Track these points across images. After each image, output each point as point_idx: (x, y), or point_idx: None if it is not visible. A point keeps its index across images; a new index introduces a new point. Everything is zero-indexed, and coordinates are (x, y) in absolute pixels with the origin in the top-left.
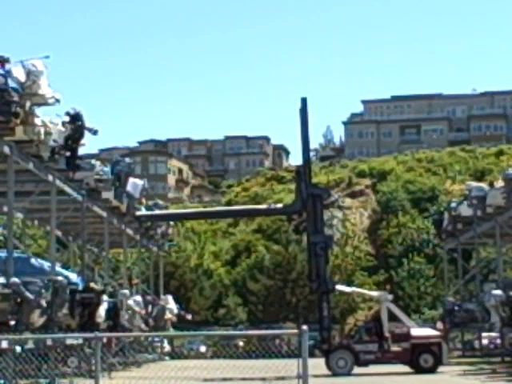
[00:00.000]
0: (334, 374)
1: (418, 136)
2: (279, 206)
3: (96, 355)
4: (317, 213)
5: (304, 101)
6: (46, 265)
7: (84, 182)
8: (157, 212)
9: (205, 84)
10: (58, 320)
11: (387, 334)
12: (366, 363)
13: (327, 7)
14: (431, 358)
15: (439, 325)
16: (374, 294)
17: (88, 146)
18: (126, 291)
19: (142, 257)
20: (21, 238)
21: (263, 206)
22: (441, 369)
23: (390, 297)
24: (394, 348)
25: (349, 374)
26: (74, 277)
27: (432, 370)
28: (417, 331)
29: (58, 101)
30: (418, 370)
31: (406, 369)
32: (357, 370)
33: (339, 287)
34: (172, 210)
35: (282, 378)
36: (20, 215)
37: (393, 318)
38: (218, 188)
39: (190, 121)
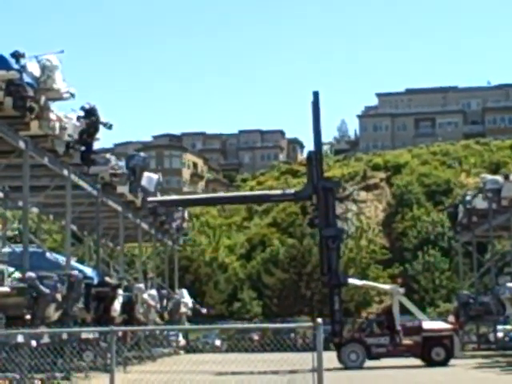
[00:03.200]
0: (346, 368)
1: (432, 129)
2: (291, 191)
3: (111, 349)
4: (329, 206)
5: (316, 94)
6: (62, 259)
7: (99, 177)
8: (167, 197)
9: (219, 78)
10: (74, 314)
11: (399, 328)
12: (377, 356)
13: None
14: (443, 351)
15: (451, 318)
16: (386, 287)
17: (103, 140)
18: (141, 285)
19: (157, 251)
20: (36, 232)
21: (274, 192)
22: (456, 362)
23: (402, 290)
24: (406, 341)
25: (360, 367)
26: (89, 271)
27: (444, 363)
28: (428, 324)
29: (72, 95)
30: (430, 363)
31: (418, 362)
32: (368, 363)
33: (351, 280)
34: (182, 196)
35: (297, 372)
36: (35, 210)
37: (404, 311)
38: (233, 182)
39: (205, 115)
